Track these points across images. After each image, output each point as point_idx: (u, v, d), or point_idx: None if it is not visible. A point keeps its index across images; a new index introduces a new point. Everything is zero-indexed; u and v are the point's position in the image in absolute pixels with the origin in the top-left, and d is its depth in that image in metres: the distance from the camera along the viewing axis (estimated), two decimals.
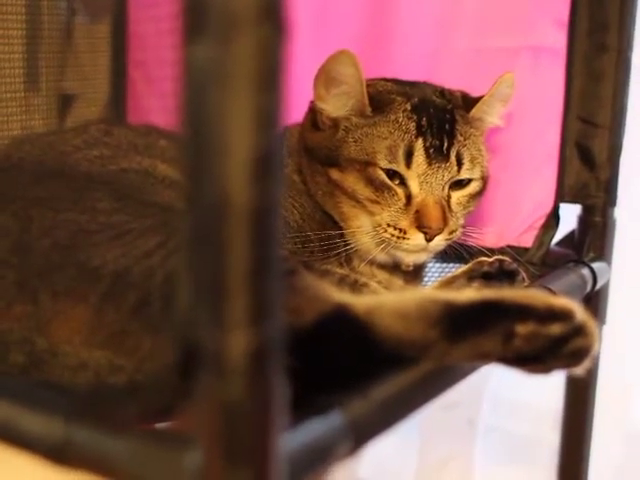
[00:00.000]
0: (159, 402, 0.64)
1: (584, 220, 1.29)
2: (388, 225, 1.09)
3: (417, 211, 1.08)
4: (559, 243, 1.30)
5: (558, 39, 1.25)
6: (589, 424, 1.39)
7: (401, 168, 1.09)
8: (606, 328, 1.31)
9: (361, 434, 0.64)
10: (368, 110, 1.12)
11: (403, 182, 1.10)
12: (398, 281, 1.15)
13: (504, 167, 1.30)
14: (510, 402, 1.70)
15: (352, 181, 1.11)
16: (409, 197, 1.09)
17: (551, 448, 1.43)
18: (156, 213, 0.87)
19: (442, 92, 1.18)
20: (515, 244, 1.30)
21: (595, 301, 1.28)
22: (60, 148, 1.12)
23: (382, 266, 1.15)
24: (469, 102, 1.17)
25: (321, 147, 1.14)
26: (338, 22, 1.39)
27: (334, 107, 1.13)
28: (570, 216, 1.29)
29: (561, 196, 1.28)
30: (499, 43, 1.29)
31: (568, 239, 1.30)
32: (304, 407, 0.60)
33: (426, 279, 1.26)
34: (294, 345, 0.55)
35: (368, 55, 1.26)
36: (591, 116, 1.25)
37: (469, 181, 1.14)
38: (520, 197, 1.31)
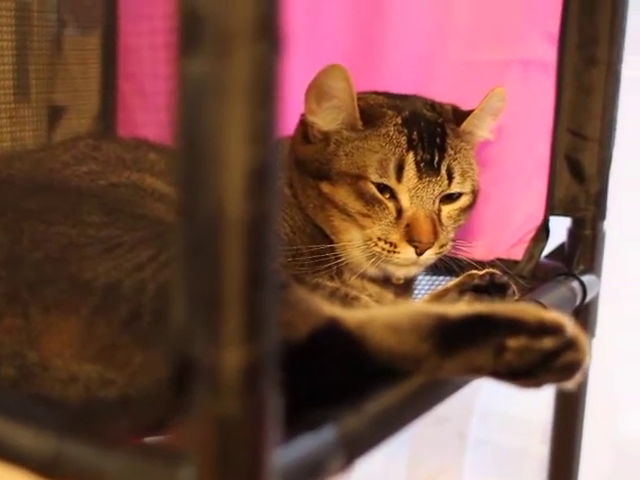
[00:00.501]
0: (151, 416, 0.64)
1: (574, 233, 1.29)
2: (379, 239, 1.09)
3: (408, 225, 1.08)
4: (549, 256, 1.31)
5: (548, 52, 1.26)
6: (578, 437, 1.39)
7: (392, 182, 1.09)
8: (595, 341, 1.31)
9: (354, 449, 0.64)
10: (359, 124, 1.12)
11: (394, 196, 1.10)
12: (389, 294, 1.15)
13: (494, 180, 1.30)
14: (500, 415, 1.69)
15: (343, 194, 1.11)
16: (400, 211, 1.09)
17: (540, 461, 1.43)
18: (147, 226, 0.87)
19: (432, 105, 1.18)
20: (505, 257, 1.30)
21: (585, 314, 1.28)
22: (49, 165, 1.11)
23: (373, 280, 1.15)
24: (460, 116, 1.17)
25: (312, 160, 1.14)
26: (329, 35, 1.39)
27: (325, 121, 1.14)
28: (560, 229, 1.30)
29: (551, 209, 1.28)
30: (489, 56, 1.30)
31: (558, 252, 1.31)
32: (297, 422, 0.60)
33: (416, 292, 1.26)
34: (286, 359, 0.54)
35: (359, 68, 1.26)
36: (581, 129, 1.26)
37: (460, 195, 1.14)
38: (510, 210, 1.31)
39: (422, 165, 1.10)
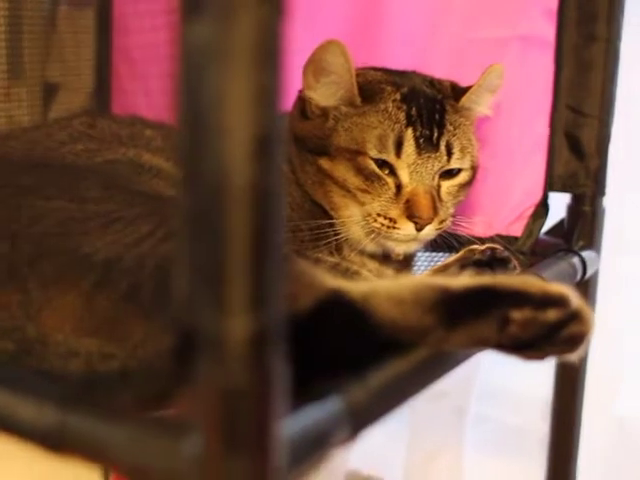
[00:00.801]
0: (155, 388, 0.63)
1: (573, 209, 1.28)
2: (378, 215, 1.09)
3: (407, 201, 1.08)
4: (548, 232, 1.30)
5: (547, 29, 1.25)
6: (578, 413, 1.39)
7: (391, 158, 1.09)
8: (595, 317, 1.31)
9: (359, 420, 0.64)
10: (358, 100, 1.12)
11: (393, 172, 1.09)
12: (388, 270, 1.15)
13: (493, 157, 1.29)
14: (499, 391, 1.69)
15: (342, 170, 1.11)
16: (399, 187, 1.09)
17: (541, 438, 1.43)
18: (145, 201, 0.86)
19: (432, 82, 1.18)
20: (504, 233, 1.29)
21: (584, 290, 1.28)
22: (45, 143, 1.10)
23: (372, 256, 1.15)
24: (458, 92, 1.17)
25: (311, 136, 1.14)
26: (328, 12, 1.38)
27: (323, 96, 1.13)
28: (559, 205, 1.29)
29: (550, 185, 1.28)
30: (488, 33, 1.29)
31: (557, 228, 1.30)
32: (302, 393, 0.60)
33: (415, 268, 1.26)
34: (290, 331, 0.54)
35: (358, 44, 1.25)
36: (580, 106, 1.25)
37: (459, 171, 1.13)
38: (509, 186, 1.30)
39: (421, 141, 1.09)
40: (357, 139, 1.10)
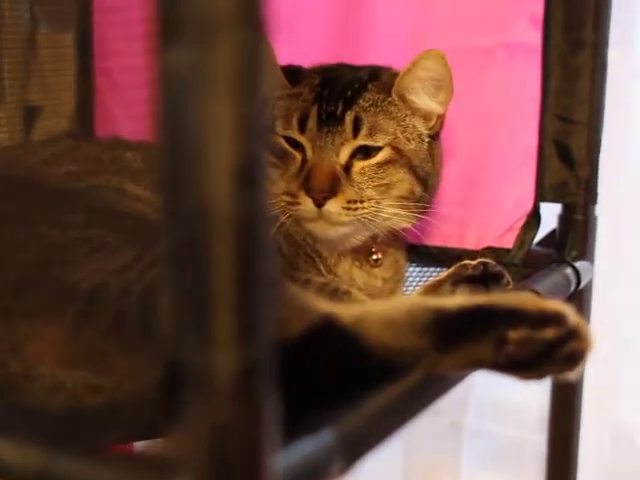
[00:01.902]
0: (142, 425, 0.61)
1: (565, 219, 1.27)
2: (283, 192, 1.08)
3: (306, 175, 1.07)
4: (540, 243, 1.29)
5: (533, 36, 1.23)
6: (576, 424, 1.37)
7: (296, 134, 1.10)
8: (590, 328, 1.29)
9: (354, 450, 0.62)
10: (287, 87, 1.14)
11: (301, 149, 1.10)
12: (377, 282, 1.13)
13: (482, 167, 1.28)
14: (495, 405, 1.68)
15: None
16: (304, 163, 1.09)
17: (538, 450, 1.41)
18: (130, 226, 0.84)
19: (373, 72, 1.16)
20: (496, 245, 1.27)
21: (579, 301, 1.26)
22: (29, 161, 1.09)
23: (359, 266, 1.13)
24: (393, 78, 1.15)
25: None
26: (311, 23, 1.37)
27: None
28: (551, 215, 1.28)
29: (541, 195, 1.26)
30: (473, 42, 1.27)
31: (549, 239, 1.29)
32: (294, 425, 0.58)
33: (407, 284, 1.24)
34: (281, 358, 0.52)
35: (341, 54, 1.26)
36: (569, 113, 1.24)
37: (377, 150, 1.10)
38: (500, 197, 1.29)
39: (324, 116, 1.09)
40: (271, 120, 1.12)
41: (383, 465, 1.61)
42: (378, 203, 1.09)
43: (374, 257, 1.15)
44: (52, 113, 1.50)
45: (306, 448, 0.58)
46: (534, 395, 1.45)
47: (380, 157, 1.10)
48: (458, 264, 1.02)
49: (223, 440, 0.49)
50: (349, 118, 1.09)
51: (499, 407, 1.68)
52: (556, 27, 1.22)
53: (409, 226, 1.12)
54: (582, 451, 1.39)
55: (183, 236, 0.48)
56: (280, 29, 1.27)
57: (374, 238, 1.12)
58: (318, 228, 1.09)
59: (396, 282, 1.18)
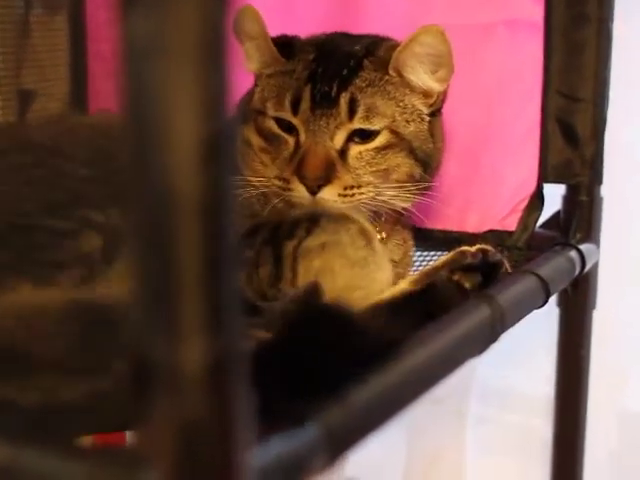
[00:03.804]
0: (112, 416, 0.58)
1: (569, 200, 1.23)
2: (275, 177, 1.04)
3: (299, 160, 1.02)
4: (544, 225, 1.25)
5: (535, 11, 1.20)
6: (583, 411, 1.34)
7: (288, 116, 1.05)
8: (596, 312, 1.27)
9: (338, 444, 0.59)
10: (281, 62, 1.10)
11: (295, 131, 1.05)
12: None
13: (483, 148, 1.25)
14: (500, 391, 1.65)
15: (250, 132, 1.08)
16: (297, 146, 1.04)
17: (544, 437, 1.39)
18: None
19: (370, 44, 1.11)
20: (498, 228, 1.24)
21: (584, 284, 1.24)
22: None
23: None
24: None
25: (242, 106, 1.12)
26: (305, 1, 1.33)
27: (248, 62, 1.12)
28: (554, 196, 1.24)
29: (544, 176, 1.23)
30: (472, 19, 1.23)
31: (553, 221, 1.25)
32: (274, 419, 0.55)
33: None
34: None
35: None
36: (572, 90, 1.20)
37: (374, 134, 1.05)
38: (501, 179, 1.25)
39: (317, 97, 1.04)
40: (262, 99, 1.09)
41: (386, 453, 1.59)
42: (376, 187, 1.04)
43: (378, 236, 1.10)
44: (46, 95, 1.48)
45: (286, 443, 0.55)
46: (539, 381, 1.42)
47: (378, 142, 1.05)
48: (456, 250, 0.97)
49: (192, 435, 0.46)
50: (344, 100, 1.03)
51: (503, 393, 1.65)
52: (559, 1, 1.18)
53: (409, 206, 1.09)
54: (588, 437, 1.36)
55: (145, 216, 0.45)
56: (273, 12, 1.26)
57: (377, 216, 1.08)
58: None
59: (405, 266, 1.14)
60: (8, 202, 0.83)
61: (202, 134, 0.44)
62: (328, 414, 0.58)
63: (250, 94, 1.12)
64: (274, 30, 1.12)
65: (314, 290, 0.79)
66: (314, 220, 0.93)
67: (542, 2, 1.19)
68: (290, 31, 1.13)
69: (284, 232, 0.94)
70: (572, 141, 1.21)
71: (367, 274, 0.91)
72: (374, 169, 1.04)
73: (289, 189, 1.02)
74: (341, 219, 0.93)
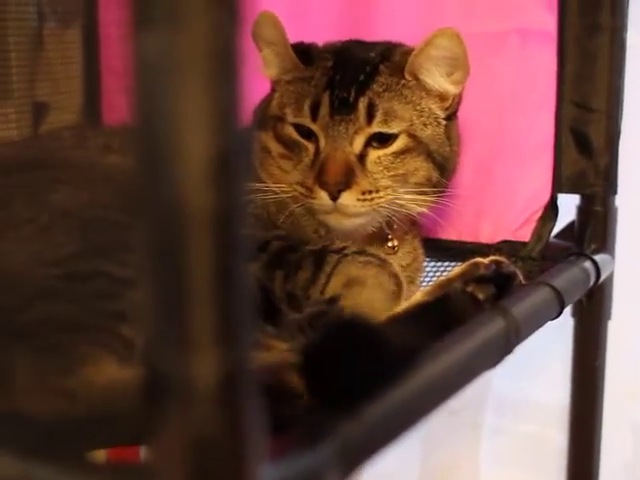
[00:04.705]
0: (124, 431, 0.58)
1: (584, 210, 1.22)
2: (297, 183, 1.04)
3: (320, 167, 1.03)
4: (558, 236, 1.24)
5: (548, 20, 1.19)
6: (598, 422, 1.33)
7: (307, 122, 1.05)
8: (611, 323, 1.26)
9: (353, 459, 0.58)
10: (300, 68, 1.10)
11: (314, 138, 1.05)
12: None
13: (497, 158, 1.24)
14: (514, 402, 1.64)
15: (268, 139, 1.09)
16: (317, 153, 1.05)
17: (559, 447, 1.38)
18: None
19: (385, 51, 1.11)
20: (512, 239, 1.23)
21: (599, 295, 1.22)
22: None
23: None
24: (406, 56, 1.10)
25: (258, 112, 1.12)
26: (319, 8, 1.34)
27: (267, 68, 1.12)
28: (569, 207, 1.24)
29: (558, 186, 1.22)
30: (484, 27, 1.23)
31: (567, 231, 1.25)
32: (289, 434, 0.54)
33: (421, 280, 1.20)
34: None
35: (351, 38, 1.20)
36: (586, 100, 1.19)
37: (393, 137, 1.05)
38: (515, 189, 1.24)
39: (336, 103, 1.04)
40: (281, 106, 1.09)
41: (400, 464, 1.58)
42: (394, 191, 1.05)
43: (390, 244, 1.11)
44: (60, 108, 1.49)
45: (300, 459, 0.55)
46: (554, 392, 1.41)
47: (396, 146, 1.05)
48: (470, 262, 0.97)
49: (203, 451, 0.46)
50: (362, 105, 1.04)
51: (518, 404, 1.64)
52: (572, 11, 1.18)
53: (425, 210, 1.09)
54: (603, 448, 1.35)
55: (156, 232, 0.45)
56: (291, 8, 1.27)
57: (390, 225, 1.08)
58: (332, 220, 1.05)
59: (415, 271, 1.14)
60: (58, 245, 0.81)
61: (214, 149, 0.44)
62: (342, 429, 0.58)
63: (267, 101, 1.13)
64: (288, 36, 1.12)
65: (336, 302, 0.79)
66: (363, 249, 0.98)
67: (555, 11, 1.19)
68: (303, 38, 1.13)
69: (332, 248, 0.97)
70: (586, 151, 1.20)
71: (390, 305, 0.93)
72: (392, 173, 1.05)
73: (312, 197, 1.03)
74: (385, 260, 0.97)
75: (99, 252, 0.77)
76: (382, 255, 1.00)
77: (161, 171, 0.44)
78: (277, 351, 0.78)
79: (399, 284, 0.95)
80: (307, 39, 1.14)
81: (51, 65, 1.47)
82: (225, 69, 0.44)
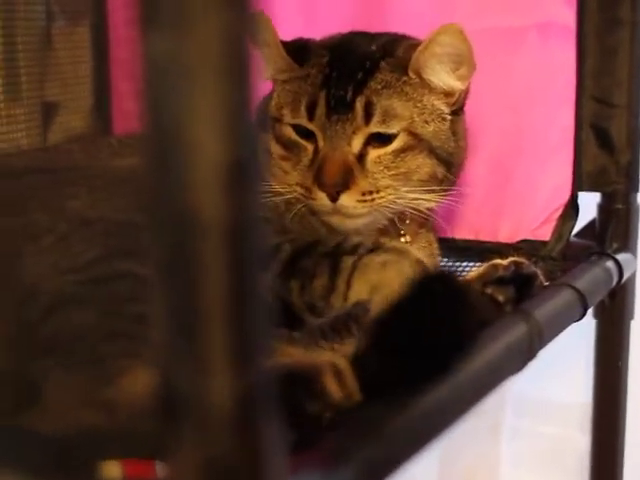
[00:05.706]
0: (138, 450, 0.56)
1: (605, 208, 1.20)
2: (297, 184, 1.02)
3: (318, 167, 1.00)
4: (579, 235, 1.22)
5: (567, 15, 1.17)
6: (621, 423, 1.31)
7: (304, 122, 1.03)
8: (634, 323, 1.23)
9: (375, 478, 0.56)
10: (294, 68, 1.07)
11: (312, 138, 1.03)
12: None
13: (515, 155, 1.22)
14: (535, 403, 1.62)
15: (269, 141, 1.06)
16: (316, 153, 1.02)
17: (581, 450, 1.36)
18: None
19: (388, 45, 1.08)
20: (532, 238, 1.21)
21: (621, 295, 1.20)
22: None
23: None
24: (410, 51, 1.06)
25: (259, 113, 1.10)
26: (331, 5, 1.31)
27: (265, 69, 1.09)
28: (589, 205, 1.21)
29: (579, 184, 1.19)
30: (504, 22, 1.20)
31: (589, 230, 1.22)
32: (310, 453, 0.52)
33: None
34: None
35: None
36: (606, 95, 1.17)
37: (392, 137, 1.02)
38: (534, 187, 1.22)
39: (332, 102, 1.01)
40: (278, 106, 1.07)
41: (419, 467, 1.56)
42: (396, 190, 1.02)
43: (402, 240, 1.08)
44: (69, 108, 1.47)
45: None
46: (576, 393, 1.39)
47: (396, 145, 1.02)
48: (488, 263, 0.94)
49: (220, 471, 0.44)
50: (360, 104, 1.01)
51: (540, 405, 1.62)
52: (591, 5, 1.15)
53: (434, 206, 1.06)
54: (627, 450, 1.33)
55: (168, 245, 0.43)
56: (296, 13, 1.24)
57: (402, 220, 1.06)
58: (335, 221, 1.03)
59: (430, 266, 1.12)
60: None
61: (226, 153, 0.42)
62: (365, 447, 0.56)
63: (265, 102, 1.10)
64: (297, 33, 1.10)
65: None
66: (377, 244, 0.94)
67: (574, 5, 1.16)
68: (313, 34, 1.11)
69: (346, 249, 0.94)
70: (607, 148, 1.18)
71: None
72: (393, 172, 1.02)
73: (311, 198, 1.00)
74: (403, 250, 0.94)
75: (123, 256, 0.76)
76: (397, 245, 0.97)
77: (172, 178, 0.42)
78: (321, 352, 0.77)
79: (424, 266, 0.93)
80: (317, 34, 1.11)
81: (60, 65, 1.46)
82: (236, 71, 0.42)
